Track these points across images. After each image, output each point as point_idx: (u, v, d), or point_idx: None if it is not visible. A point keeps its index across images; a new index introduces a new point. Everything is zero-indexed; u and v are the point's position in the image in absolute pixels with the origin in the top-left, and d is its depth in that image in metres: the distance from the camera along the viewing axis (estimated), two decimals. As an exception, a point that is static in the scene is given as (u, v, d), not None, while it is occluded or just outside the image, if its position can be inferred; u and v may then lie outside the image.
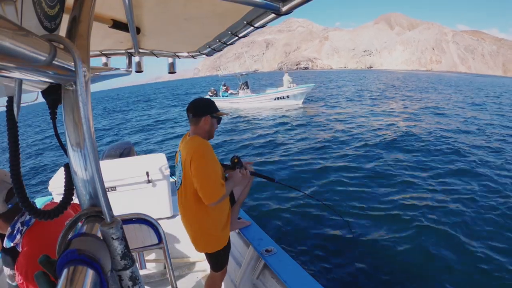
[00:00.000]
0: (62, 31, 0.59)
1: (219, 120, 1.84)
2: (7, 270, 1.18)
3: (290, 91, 17.23)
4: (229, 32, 1.32)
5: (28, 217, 1.07)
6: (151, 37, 1.52)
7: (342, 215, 4.08)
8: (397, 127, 10.95)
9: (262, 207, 4.97)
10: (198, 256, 2.56)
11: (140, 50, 1.77)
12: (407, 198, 5.09)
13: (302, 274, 1.72)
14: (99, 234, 0.57)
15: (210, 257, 1.86)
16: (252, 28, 1.13)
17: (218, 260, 1.86)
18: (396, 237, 4.01)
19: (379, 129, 10.74)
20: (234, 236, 2.34)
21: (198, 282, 2.47)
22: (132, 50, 1.74)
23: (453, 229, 4.10)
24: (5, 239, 1.06)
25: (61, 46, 0.47)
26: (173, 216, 2.48)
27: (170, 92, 53.07)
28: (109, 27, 1.18)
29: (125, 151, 2.90)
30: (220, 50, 1.71)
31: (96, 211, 0.61)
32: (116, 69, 1.66)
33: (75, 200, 0.65)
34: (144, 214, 0.93)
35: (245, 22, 1.11)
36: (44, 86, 0.64)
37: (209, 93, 19.80)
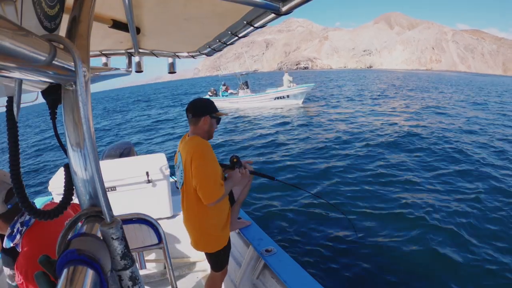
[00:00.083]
0: (62, 31, 0.59)
1: (218, 120, 1.85)
2: (7, 270, 1.19)
3: (290, 91, 17.23)
4: (229, 32, 1.32)
5: (27, 217, 1.07)
6: (151, 37, 1.52)
7: (344, 213, 4.06)
8: (399, 126, 10.91)
9: (262, 207, 4.96)
10: (198, 256, 2.55)
11: (140, 50, 1.77)
12: (410, 197, 5.07)
13: (302, 274, 1.72)
14: (99, 234, 0.57)
15: (210, 257, 1.86)
16: (252, 28, 1.13)
17: (218, 260, 1.86)
18: (399, 236, 3.98)
19: (381, 128, 10.69)
20: (234, 236, 2.34)
21: (198, 282, 2.47)
22: (132, 50, 1.74)
23: (458, 229, 4.07)
24: (5, 239, 1.06)
25: (61, 46, 0.47)
26: (173, 216, 2.48)
27: (170, 92, 53.06)
28: (109, 27, 1.18)
29: (125, 151, 2.89)
30: (220, 50, 1.71)
31: (96, 211, 0.61)
32: (116, 69, 1.66)
33: (75, 200, 0.65)
34: (144, 214, 0.93)
35: (245, 22, 1.11)
36: (44, 86, 0.64)
37: (209, 93, 19.81)
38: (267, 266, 1.91)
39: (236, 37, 1.32)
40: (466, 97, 21.70)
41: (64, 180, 0.63)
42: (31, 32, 0.37)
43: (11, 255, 1.11)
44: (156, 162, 2.38)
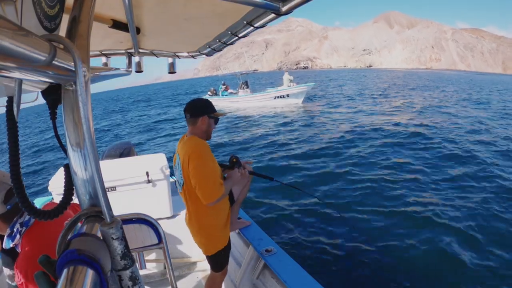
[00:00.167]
0: (62, 31, 0.59)
1: (216, 120, 1.84)
2: (6, 271, 1.19)
3: (290, 90, 17.24)
4: (229, 32, 1.32)
5: (27, 217, 1.07)
6: (151, 37, 1.52)
7: (344, 213, 4.04)
8: (402, 125, 10.86)
9: (262, 207, 4.96)
10: (198, 256, 2.55)
11: (140, 50, 1.77)
12: (414, 197, 5.04)
13: (302, 274, 1.72)
14: (99, 234, 0.57)
15: (210, 257, 1.86)
16: (252, 28, 1.13)
17: (218, 260, 1.86)
18: (403, 235, 3.97)
19: (384, 128, 10.62)
20: (234, 236, 2.34)
21: (198, 282, 2.47)
22: (132, 50, 1.74)
23: (465, 229, 4.04)
24: (5, 239, 1.06)
25: (61, 46, 0.47)
26: (173, 216, 2.48)
27: (170, 92, 53.05)
28: (109, 27, 1.18)
29: (125, 151, 2.89)
30: (220, 50, 1.71)
31: (96, 211, 0.61)
32: (116, 69, 1.66)
33: (75, 200, 0.65)
34: (144, 214, 0.93)
35: (245, 22, 1.11)
36: (44, 86, 0.64)
37: (209, 93, 19.82)
38: (267, 266, 1.91)
39: (236, 37, 1.32)
40: (467, 95, 21.68)
41: (64, 180, 0.63)
42: (31, 32, 0.37)
43: (11, 256, 1.11)
44: (156, 162, 2.38)
